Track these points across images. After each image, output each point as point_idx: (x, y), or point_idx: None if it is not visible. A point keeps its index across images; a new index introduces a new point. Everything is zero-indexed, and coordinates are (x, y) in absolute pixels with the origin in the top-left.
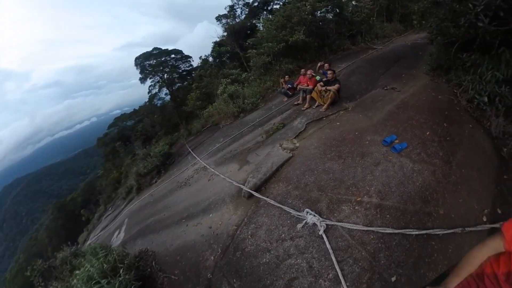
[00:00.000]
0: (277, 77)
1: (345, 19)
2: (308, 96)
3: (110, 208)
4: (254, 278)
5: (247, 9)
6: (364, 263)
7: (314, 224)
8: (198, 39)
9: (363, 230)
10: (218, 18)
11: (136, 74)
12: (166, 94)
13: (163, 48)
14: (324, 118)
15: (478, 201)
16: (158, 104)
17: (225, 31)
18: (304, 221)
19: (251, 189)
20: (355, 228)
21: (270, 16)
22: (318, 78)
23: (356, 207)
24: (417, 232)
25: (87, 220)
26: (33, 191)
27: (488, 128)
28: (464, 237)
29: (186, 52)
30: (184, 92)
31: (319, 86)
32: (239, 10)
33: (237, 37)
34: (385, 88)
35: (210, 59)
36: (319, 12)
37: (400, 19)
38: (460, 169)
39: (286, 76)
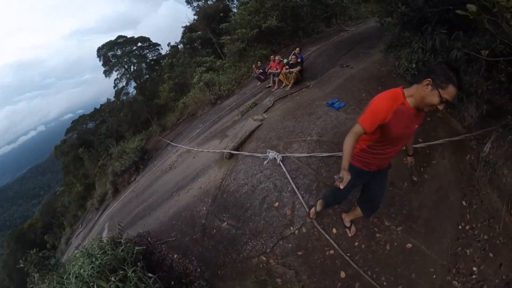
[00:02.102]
0: (251, 63)
1: (319, 1)
2: (276, 79)
3: (80, 226)
4: (238, 207)
5: None
6: (311, 176)
7: (274, 158)
8: (163, 21)
9: (307, 156)
10: (188, 1)
11: (90, 67)
12: (135, 87)
13: (122, 33)
14: (289, 95)
15: None
16: (124, 100)
17: (196, 15)
18: (268, 158)
19: (230, 150)
20: (301, 155)
21: None
22: (285, 61)
23: (302, 144)
24: None
25: (52, 247)
26: None
27: None
28: None
29: (150, 37)
30: (153, 84)
31: (284, 69)
32: None
33: (209, 21)
34: (341, 66)
35: (181, 46)
36: None
37: None
38: None
39: (258, 62)
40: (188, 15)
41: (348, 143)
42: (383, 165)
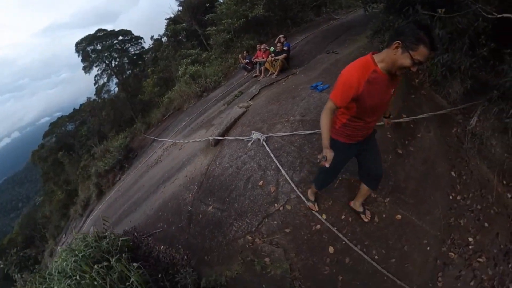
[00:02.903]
0: (238, 54)
1: None
2: (262, 68)
3: (64, 236)
4: (223, 189)
5: None
6: (294, 154)
7: (258, 139)
8: (145, 15)
9: (290, 135)
10: None
11: (68, 65)
12: (116, 84)
13: (101, 27)
14: (275, 83)
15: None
16: (106, 98)
17: (180, 6)
18: (252, 140)
19: (216, 137)
20: (284, 134)
21: None
22: (272, 49)
23: (285, 124)
24: None
25: (36, 261)
26: None
27: None
28: None
29: (131, 30)
30: (136, 79)
31: (269, 57)
32: None
33: (194, 13)
34: (328, 52)
35: (164, 39)
36: None
37: None
38: None
39: (245, 52)
40: (172, 6)
41: (323, 121)
42: (367, 134)
